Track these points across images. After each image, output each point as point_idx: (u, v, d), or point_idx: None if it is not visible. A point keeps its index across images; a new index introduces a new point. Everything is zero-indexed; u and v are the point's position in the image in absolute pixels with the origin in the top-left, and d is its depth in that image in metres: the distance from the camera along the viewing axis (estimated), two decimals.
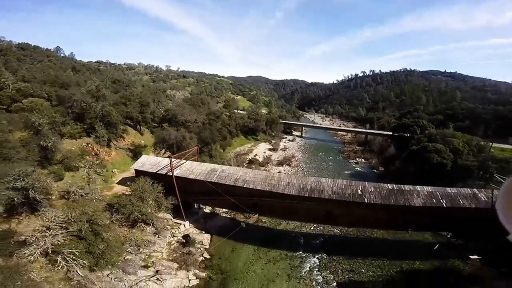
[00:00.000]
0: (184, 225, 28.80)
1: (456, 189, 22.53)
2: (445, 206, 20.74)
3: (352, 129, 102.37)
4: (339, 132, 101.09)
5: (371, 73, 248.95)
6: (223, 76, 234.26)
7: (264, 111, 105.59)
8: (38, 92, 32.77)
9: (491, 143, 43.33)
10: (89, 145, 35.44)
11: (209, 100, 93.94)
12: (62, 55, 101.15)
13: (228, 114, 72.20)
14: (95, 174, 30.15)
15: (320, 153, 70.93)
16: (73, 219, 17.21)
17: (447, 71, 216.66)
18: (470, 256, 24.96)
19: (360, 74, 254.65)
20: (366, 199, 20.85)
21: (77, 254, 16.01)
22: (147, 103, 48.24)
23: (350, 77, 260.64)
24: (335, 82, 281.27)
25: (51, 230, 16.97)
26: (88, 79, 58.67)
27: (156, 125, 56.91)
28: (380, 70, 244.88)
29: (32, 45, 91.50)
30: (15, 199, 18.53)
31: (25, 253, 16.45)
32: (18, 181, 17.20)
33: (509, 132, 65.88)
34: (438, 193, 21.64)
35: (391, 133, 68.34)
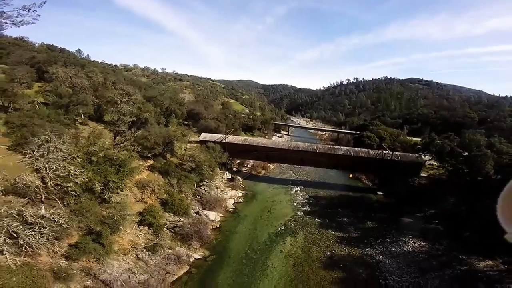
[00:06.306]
0: (226, 173, 57.08)
1: (360, 149, 53.13)
2: (351, 155, 50.96)
3: (327, 129, 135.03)
4: (318, 132, 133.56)
5: (355, 80, 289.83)
6: (215, 80, 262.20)
7: (258, 113, 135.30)
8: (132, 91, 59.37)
9: (402, 133, 76.18)
10: None
11: (212, 102, 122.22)
12: (80, 57, 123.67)
13: (233, 114, 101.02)
14: None
15: None
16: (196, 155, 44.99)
17: (424, 79, 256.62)
18: (378, 192, 54.95)
19: (345, 82, 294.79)
20: (317, 150, 50.90)
21: (206, 166, 43.77)
22: (183, 103, 75.95)
23: (335, 84, 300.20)
24: (321, 88, 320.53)
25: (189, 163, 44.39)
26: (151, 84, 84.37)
27: (178, 120, 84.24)
28: (363, 78, 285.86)
29: (59, 47, 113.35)
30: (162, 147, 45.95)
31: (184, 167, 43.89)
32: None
33: (448, 132, 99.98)
34: (350, 149, 52.12)
35: (354, 131, 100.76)
